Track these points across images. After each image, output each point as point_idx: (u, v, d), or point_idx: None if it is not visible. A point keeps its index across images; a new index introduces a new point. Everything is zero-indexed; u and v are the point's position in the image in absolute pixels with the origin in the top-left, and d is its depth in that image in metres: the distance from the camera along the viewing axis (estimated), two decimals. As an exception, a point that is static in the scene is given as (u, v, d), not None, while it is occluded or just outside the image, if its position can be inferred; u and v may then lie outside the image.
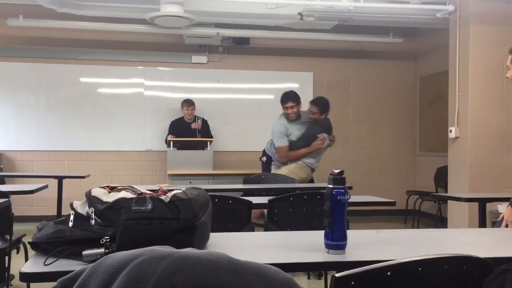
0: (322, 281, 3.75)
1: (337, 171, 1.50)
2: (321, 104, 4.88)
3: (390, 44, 7.11)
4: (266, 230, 2.75)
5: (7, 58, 6.62)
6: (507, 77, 2.86)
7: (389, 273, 1.09)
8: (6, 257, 2.95)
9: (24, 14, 6.14)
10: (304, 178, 4.70)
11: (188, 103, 6.45)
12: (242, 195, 3.61)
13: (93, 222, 1.32)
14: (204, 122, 6.56)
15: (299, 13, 5.70)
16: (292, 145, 4.74)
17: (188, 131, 6.38)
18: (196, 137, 6.38)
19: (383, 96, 7.56)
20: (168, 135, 6.39)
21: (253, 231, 2.59)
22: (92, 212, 1.32)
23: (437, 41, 6.89)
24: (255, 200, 2.75)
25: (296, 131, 4.80)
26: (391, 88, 7.58)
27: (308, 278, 3.98)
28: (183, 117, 6.51)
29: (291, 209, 2.73)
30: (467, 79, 5.09)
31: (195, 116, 6.55)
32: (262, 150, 5.25)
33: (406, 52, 7.55)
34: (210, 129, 6.61)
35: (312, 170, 4.83)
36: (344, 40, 7.02)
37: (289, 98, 4.77)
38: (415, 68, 7.68)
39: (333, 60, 7.42)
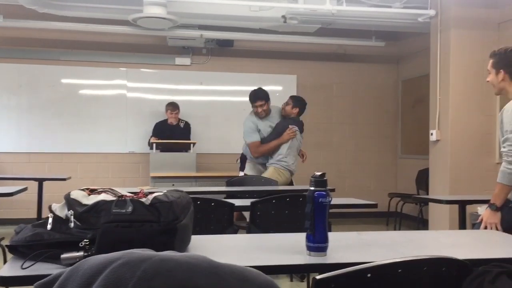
0: (304, 283, 3.76)
1: (319, 173, 1.51)
2: (297, 99, 4.93)
3: (373, 47, 7.18)
4: (248, 232, 2.74)
5: (-13, 58, 6.52)
6: (488, 81, 2.90)
7: (369, 275, 1.10)
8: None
9: (4, 14, 6.04)
10: (283, 182, 4.66)
11: (173, 107, 6.42)
12: (225, 198, 3.61)
13: (72, 225, 1.30)
14: (186, 125, 6.54)
15: (283, 16, 5.71)
16: (264, 141, 4.73)
17: (171, 134, 6.35)
18: (179, 139, 6.36)
19: (365, 99, 7.62)
20: (151, 137, 6.36)
21: (236, 233, 2.59)
22: (71, 215, 1.31)
23: (418, 45, 6.98)
24: (237, 202, 2.75)
25: (267, 127, 4.81)
26: (374, 91, 7.65)
27: (291, 280, 3.99)
28: (167, 119, 6.48)
29: (274, 212, 2.73)
30: (448, 83, 5.16)
31: (179, 119, 6.52)
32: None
33: (388, 56, 7.62)
34: (191, 132, 6.57)
35: (291, 173, 4.79)
36: (327, 43, 7.06)
37: (258, 97, 4.75)
38: (397, 72, 7.76)
39: (317, 63, 7.46)
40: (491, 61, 2.87)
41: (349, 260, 1.43)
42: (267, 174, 4.65)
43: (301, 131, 4.88)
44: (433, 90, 5.39)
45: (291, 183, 4.89)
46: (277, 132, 4.72)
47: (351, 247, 1.66)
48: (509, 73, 2.76)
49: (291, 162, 4.74)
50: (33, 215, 5.25)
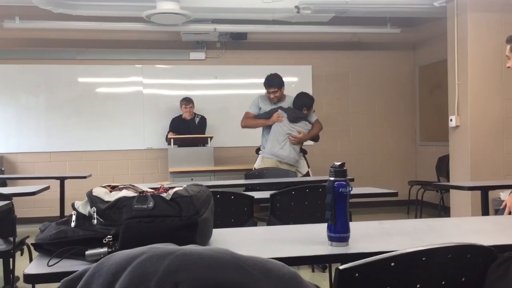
0: (326, 274, 3.76)
1: (338, 163, 1.50)
2: (299, 97, 4.96)
3: (388, 34, 7.09)
4: (268, 224, 2.75)
5: (5, 60, 6.62)
6: (508, 67, 2.84)
7: (393, 264, 1.09)
8: (11, 259, 2.96)
9: (20, 15, 6.12)
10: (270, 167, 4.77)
11: (187, 101, 6.45)
12: (244, 191, 3.62)
13: (95, 221, 1.32)
14: (202, 120, 6.56)
15: (296, 7, 5.68)
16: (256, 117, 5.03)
17: (187, 129, 6.38)
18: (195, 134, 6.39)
19: (382, 87, 7.55)
20: (168, 132, 6.40)
21: (256, 225, 2.59)
22: (94, 212, 1.32)
23: (435, 30, 6.87)
24: (257, 195, 2.75)
25: (268, 108, 4.98)
26: (390, 78, 7.57)
27: (313, 271, 3.99)
28: (182, 114, 6.51)
29: (293, 203, 2.73)
30: (466, 68, 5.07)
31: (195, 114, 6.54)
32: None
33: (404, 42, 7.52)
34: (207, 127, 6.60)
35: (278, 158, 4.82)
36: (341, 32, 7.00)
37: (271, 84, 4.89)
38: (414, 58, 7.66)
39: (331, 53, 7.41)
40: (508, 46, 2.82)
41: (371, 250, 1.42)
42: (256, 163, 4.92)
43: (293, 120, 4.86)
44: (451, 75, 5.31)
45: (307, 174, 4.89)
46: (268, 114, 4.93)
47: (372, 236, 1.65)
48: None
49: (274, 149, 4.82)
50: (56, 213, 5.33)
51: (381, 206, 7.05)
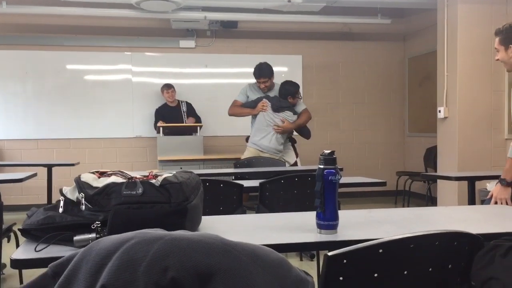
0: (314, 263, 3.78)
1: (328, 151, 1.50)
2: (283, 85, 4.91)
3: (378, 25, 7.09)
4: (257, 213, 2.75)
5: (-9, 46, 6.52)
6: (498, 60, 2.86)
7: (380, 251, 1.10)
8: (-3, 246, 2.93)
9: (6, 0, 6.02)
10: (248, 155, 4.78)
11: (167, 86, 6.48)
12: (233, 179, 3.62)
13: (83, 207, 1.31)
14: (189, 105, 6.58)
15: (287, -5, 5.65)
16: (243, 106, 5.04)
17: (173, 115, 6.36)
18: (183, 121, 6.38)
19: (372, 77, 7.57)
20: (156, 121, 6.37)
21: (245, 214, 2.60)
22: (82, 198, 1.31)
23: (425, 22, 6.89)
24: (246, 183, 2.75)
25: (255, 97, 4.97)
26: (380, 69, 7.59)
27: (301, 259, 4.02)
28: (166, 102, 6.50)
29: (282, 192, 2.74)
30: (455, 59, 5.10)
31: (178, 100, 6.53)
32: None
33: (394, 33, 7.54)
34: (196, 111, 6.64)
35: (259, 147, 4.84)
36: (332, 22, 6.99)
37: (261, 74, 4.88)
38: (404, 49, 7.68)
39: (322, 43, 7.40)
40: (497, 38, 2.82)
41: (360, 237, 1.43)
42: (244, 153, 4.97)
43: (277, 109, 4.83)
44: (441, 66, 5.34)
45: (295, 164, 4.90)
46: (254, 103, 4.93)
47: (361, 224, 1.66)
48: None
49: (255, 138, 4.86)
50: (43, 200, 5.30)
51: (369, 196, 7.11)
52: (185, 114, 6.45)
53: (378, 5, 6.40)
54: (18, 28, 6.60)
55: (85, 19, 6.56)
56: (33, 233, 1.32)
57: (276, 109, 4.81)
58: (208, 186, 2.45)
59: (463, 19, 5.06)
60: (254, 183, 2.80)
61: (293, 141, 5.07)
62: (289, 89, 4.83)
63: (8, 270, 3.48)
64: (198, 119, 6.55)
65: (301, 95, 5.12)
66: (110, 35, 6.85)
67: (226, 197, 2.57)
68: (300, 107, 4.96)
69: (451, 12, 5.16)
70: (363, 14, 6.88)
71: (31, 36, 6.63)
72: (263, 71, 4.86)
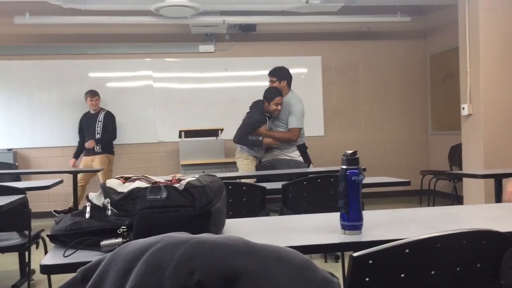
0: (339, 264, 3.76)
1: (350, 151, 1.49)
2: (279, 72, 4.76)
3: (398, 23, 7.03)
4: (281, 214, 2.75)
5: (16, 56, 6.67)
6: None
7: (407, 251, 1.08)
8: (26, 253, 2.99)
9: (30, 11, 6.16)
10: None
11: (92, 94, 6.29)
12: (255, 182, 3.62)
13: (109, 212, 1.33)
14: (108, 115, 6.36)
15: (305, -4, 5.65)
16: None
17: (88, 123, 6.26)
18: (95, 131, 6.22)
19: (393, 76, 7.49)
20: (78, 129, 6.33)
21: (268, 216, 2.60)
22: (108, 203, 1.33)
23: (446, 18, 6.80)
24: (268, 186, 2.75)
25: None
26: (401, 68, 7.51)
27: (325, 261, 3.99)
28: (89, 110, 6.36)
29: (305, 193, 2.73)
30: (478, 55, 5.02)
31: (101, 108, 6.38)
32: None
33: (415, 31, 7.45)
34: (116, 123, 6.42)
35: (255, 157, 4.83)
36: (351, 21, 6.95)
37: (279, 93, 4.65)
38: (425, 47, 7.59)
39: (341, 43, 7.36)
40: None
41: (385, 238, 1.41)
42: (245, 164, 4.81)
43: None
44: (463, 63, 5.26)
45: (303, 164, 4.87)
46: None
47: (386, 224, 1.64)
48: None
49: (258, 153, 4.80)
50: (69, 206, 5.39)
51: (393, 196, 7.03)
52: (99, 124, 6.27)
53: (398, 3, 6.34)
54: (42, 38, 6.73)
55: (106, 27, 6.66)
56: (61, 239, 1.34)
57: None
58: (231, 189, 2.45)
59: (484, 14, 4.97)
60: (277, 185, 2.80)
61: (302, 148, 4.83)
62: (264, 94, 4.71)
63: (38, 275, 3.55)
64: (111, 134, 6.31)
65: (296, 110, 4.70)
66: (130, 43, 6.94)
67: (249, 200, 2.57)
68: (292, 124, 4.68)
69: (472, 8, 5.08)
70: (382, 13, 6.82)
71: (54, 46, 6.77)
72: (279, 91, 4.67)
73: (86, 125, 6.26)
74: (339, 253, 3.68)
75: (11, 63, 6.68)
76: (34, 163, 6.72)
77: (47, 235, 1.38)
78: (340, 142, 7.19)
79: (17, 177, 5.22)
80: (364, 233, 1.49)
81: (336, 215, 1.54)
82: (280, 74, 4.75)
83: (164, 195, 1.33)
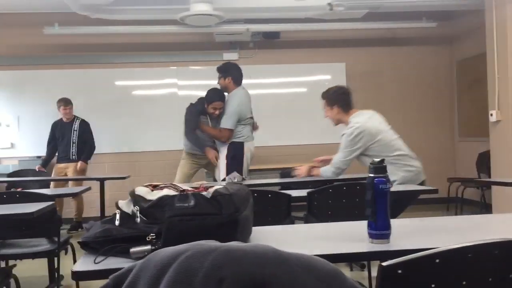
0: (365, 273, 3.72)
1: (377, 159, 1.48)
2: (221, 68, 4.73)
3: (424, 29, 6.95)
4: (306, 222, 2.74)
5: (45, 66, 6.83)
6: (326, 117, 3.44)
7: (437, 260, 1.07)
8: (55, 258, 3.05)
9: (59, 22, 6.31)
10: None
11: (65, 103, 6.15)
12: (280, 189, 3.62)
13: (138, 220, 1.35)
14: (83, 124, 6.28)
15: (329, 4, 5.64)
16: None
17: (62, 132, 6.16)
18: (70, 139, 6.14)
19: (418, 82, 7.41)
20: (49, 137, 6.22)
21: (294, 223, 2.59)
22: (137, 211, 1.35)
23: (472, 23, 6.69)
24: (293, 193, 2.74)
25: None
26: (427, 74, 7.42)
27: (351, 269, 3.96)
28: (61, 118, 6.25)
29: (331, 201, 2.71)
30: (506, 61, 4.92)
31: (74, 116, 6.28)
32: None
33: (441, 36, 7.36)
34: (92, 131, 6.34)
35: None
36: (375, 28, 6.90)
37: (219, 98, 4.65)
38: (451, 52, 7.48)
39: (366, 49, 7.32)
40: (324, 100, 3.39)
41: (413, 247, 1.39)
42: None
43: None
44: (491, 69, 5.17)
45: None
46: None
47: (414, 233, 1.62)
48: None
49: None
50: (97, 213, 5.46)
51: (419, 204, 6.86)
52: (75, 133, 6.19)
53: (423, 8, 6.28)
54: (70, 48, 6.88)
55: (132, 36, 6.77)
56: (91, 246, 1.37)
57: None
58: (256, 197, 2.45)
59: (513, 18, 4.89)
60: (302, 192, 2.79)
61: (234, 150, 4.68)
62: (206, 94, 4.74)
63: (66, 281, 3.61)
64: (91, 146, 6.25)
65: (229, 110, 4.63)
66: (156, 51, 7.03)
67: (275, 207, 2.57)
68: (221, 124, 4.63)
69: (499, 13, 4.99)
70: (407, 19, 6.76)
71: (81, 55, 6.91)
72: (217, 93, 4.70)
73: (60, 133, 6.16)
74: (365, 262, 3.64)
75: (40, 72, 6.84)
76: (62, 170, 6.82)
77: (78, 242, 1.41)
78: (365, 149, 7.12)
79: (46, 185, 5.32)
80: (392, 242, 1.48)
81: (363, 224, 1.53)
82: (225, 71, 4.66)
83: (192, 203, 1.34)
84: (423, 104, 7.41)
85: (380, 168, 1.47)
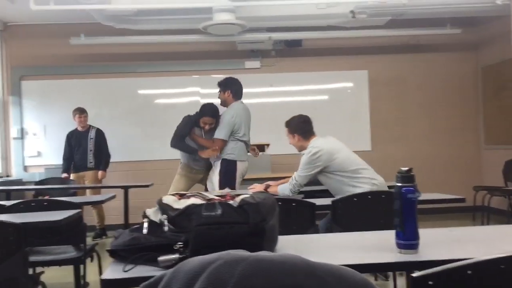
0: (388, 283, 3.67)
1: (405, 168, 1.47)
2: (221, 83, 4.78)
3: (448, 35, 6.87)
4: (330, 231, 2.72)
5: (71, 75, 6.97)
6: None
7: (469, 272, 1.05)
8: (81, 266, 3.09)
9: (85, 32, 6.43)
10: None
11: (80, 111, 6.20)
12: (303, 198, 3.60)
13: (166, 228, 1.36)
14: (99, 133, 6.33)
15: (351, 11, 5.63)
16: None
17: (79, 141, 6.20)
18: (87, 148, 6.19)
19: (443, 90, 7.31)
20: (64, 147, 6.24)
21: (318, 233, 2.58)
22: (165, 219, 1.36)
23: (498, 29, 6.59)
24: (317, 202, 2.73)
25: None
26: (452, 80, 7.32)
27: (375, 279, 3.90)
28: (76, 128, 6.30)
29: (355, 210, 2.69)
30: (534, 67, 4.83)
31: (90, 126, 6.32)
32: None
33: (466, 43, 7.26)
34: (107, 141, 6.37)
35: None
36: (399, 35, 6.85)
37: (211, 113, 4.69)
38: (476, 59, 7.37)
39: (388, 56, 7.26)
40: (286, 129, 3.59)
41: (443, 257, 1.37)
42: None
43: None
44: (518, 75, 5.07)
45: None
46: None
47: (442, 243, 1.60)
48: None
49: None
50: (121, 221, 5.51)
51: (444, 213, 6.79)
52: (91, 141, 6.24)
53: (447, 15, 6.21)
54: (95, 57, 7.01)
55: (156, 46, 6.86)
56: (120, 254, 1.38)
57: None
58: (280, 205, 2.44)
59: (540, 24, 4.80)
60: (326, 201, 2.77)
61: (227, 165, 4.68)
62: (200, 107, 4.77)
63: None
64: (107, 154, 6.32)
65: (223, 121, 4.69)
66: (178, 60, 7.11)
67: (299, 216, 2.56)
68: (215, 135, 4.66)
69: (527, 18, 4.91)
70: (431, 25, 6.70)
71: (106, 65, 7.03)
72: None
73: (76, 142, 6.22)
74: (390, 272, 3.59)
75: (66, 82, 6.98)
76: (87, 178, 6.92)
77: (107, 250, 1.43)
78: (388, 157, 7.05)
79: (73, 192, 5.40)
80: (421, 252, 1.46)
81: (389, 233, 1.51)
82: (225, 85, 4.74)
83: (219, 211, 1.35)
84: (448, 112, 7.31)
85: (408, 177, 1.45)
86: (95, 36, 6.47)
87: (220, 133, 4.59)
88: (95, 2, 5.23)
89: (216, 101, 4.89)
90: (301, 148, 3.65)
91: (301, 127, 3.68)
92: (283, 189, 3.56)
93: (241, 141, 4.70)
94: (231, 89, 4.71)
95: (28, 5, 5.17)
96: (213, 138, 4.65)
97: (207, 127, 4.70)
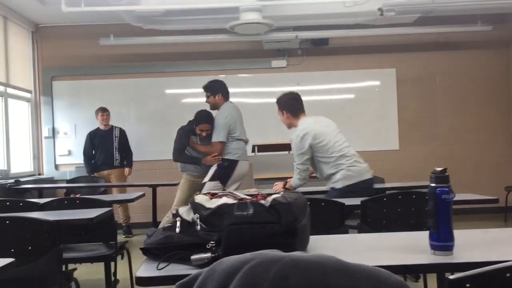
0: (418, 284, 3.62)
1: (440, 168, 1.45)
2: (208, 86, 4.81)
3: (478, 32, 6.73)
4: (360, 231, 2.70)
5: (100, 76, 7.09)
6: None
7: (508, 275, 1.03)
8: (112, 263, 3.14)
9: (114, 33, 6.54)
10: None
11: (102, 110, 6.31)
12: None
13: (198, 227, 1.37)
14: (122, 132, 6.44)
15: (379, 9, 5.57)
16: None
17: (104, 139, 6.29)
18: (113, 147, 6.29)
19: (473, 88, 7.17)
20: (85, 145, 6.33)
21: (347, 233, 2.56)
22: (197, 219, 1.38)
23: (531, 25, 6.42)
24: (347, 201, 2.71)
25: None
26: (482, 78, 7.17)
27: (405, 280, 3.85)
28: (99, 126, 6.41)
29: (385, 210, 2.66)
30: None
31: (112, 125, 6.42)
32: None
33: (497, 40, 7.10)
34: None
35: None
36: (427, 32, 6.75)
37: (207, 120, 4.77)
38: (508, 56, 7.20)
39: (417, 54, 7.16)
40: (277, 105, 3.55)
41: (478, 259, 1.35)
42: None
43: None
44: (553, 72, 4.93)
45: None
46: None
47: (477, 245, 1.57)
48: None
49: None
50: (149, 219, 5.59)
51: (474, 213, 6.65)
52: (116, 140, 6.33)
53: (478, 11, 6.09)
54: (123, 58, 7.11)
55: (183, 46, 6.91)
56: (153, 252, 1.40)
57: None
58: (310, 205, 2.44)
59: None
60: (355, 201, 2.75)
61: (226, 164, 4.69)
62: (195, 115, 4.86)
63: (121, 285, 3.70)
64: (130, 151, 6.45)
65: (217, 124, 4.74)
66: (205, 60, 7.15)
67: (328, 216, 2.55)
68: (213, 139, 4.71)
69: (562, 14, 4.77)
70: (461, 22, 6.57)
71: (134, 65, 7.12)
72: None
73: (99, 141, 6.32)
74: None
75: (96, 82, 7.10)
76: (115, 176, 7.03)
77: (140, 248, 1.45)
78: (416, 156, 6.96)
79: (103, 191, 5.50)
80: (455, 254, 1.43)
81: (421, 234, 1.49)
82: (213, 88, 4.76)
83: (250, 211, 1.35)
84: (478, 110, 7.16)
85: (442, 177, 1.43)
86: (124, 37, 6.57)
87: (218, 136, 4.65)
88: (125, 3, 5.31)
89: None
90: (290, 126, 3.68)
91: (290, 104, 3.70)
92: (294, 181, 3.64)
93: (240, 140, 4.75)
94: (222, 92, 4.81)
95: (60, 7, 5.28)
96: (211, 142, 4.70)
97: (204, 133, 4.78)
